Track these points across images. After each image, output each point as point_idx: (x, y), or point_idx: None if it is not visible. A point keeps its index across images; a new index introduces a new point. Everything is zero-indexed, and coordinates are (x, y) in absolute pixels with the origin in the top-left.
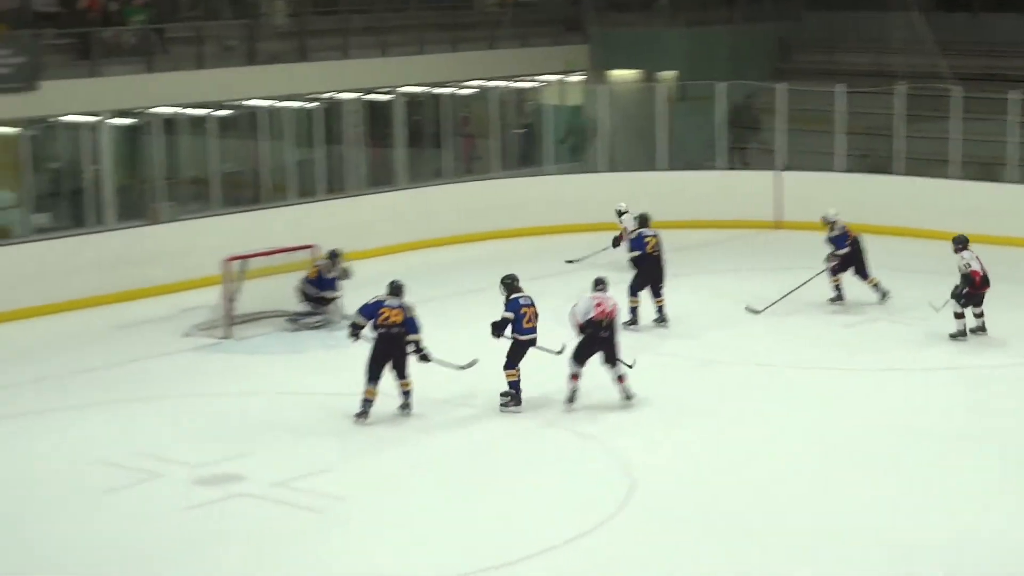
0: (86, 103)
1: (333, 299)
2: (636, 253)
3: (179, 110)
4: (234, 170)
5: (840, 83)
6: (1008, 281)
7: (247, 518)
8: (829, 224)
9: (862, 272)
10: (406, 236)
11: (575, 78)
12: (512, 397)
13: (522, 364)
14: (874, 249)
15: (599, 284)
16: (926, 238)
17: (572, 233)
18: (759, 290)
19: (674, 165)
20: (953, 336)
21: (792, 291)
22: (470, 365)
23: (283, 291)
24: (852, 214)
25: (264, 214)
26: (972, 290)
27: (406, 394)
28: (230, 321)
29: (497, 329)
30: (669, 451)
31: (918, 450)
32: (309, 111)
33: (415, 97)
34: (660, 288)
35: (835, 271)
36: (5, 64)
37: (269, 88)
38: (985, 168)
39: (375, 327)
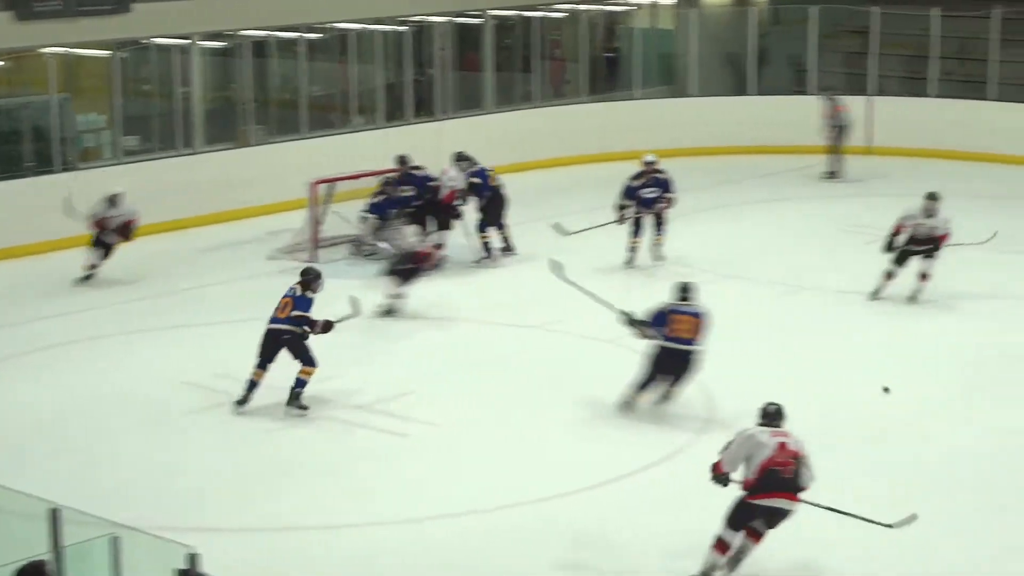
0: (177, 25)
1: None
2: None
3: (269, 33)
4: (323, 93)
5: (935, 7)
6: None
7: (329, 441)
8: None
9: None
10: (494, 160)
11: (666, 1)
12: None
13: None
14: (974, 176)
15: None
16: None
17: (664, 157)
18: (849, 215)
19: (765, 90)
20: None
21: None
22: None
23: None
24: (944, 140)
25: (352, 137)
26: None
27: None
28: (316, 245)
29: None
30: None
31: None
32: (398, 34)
33: (505, 20)
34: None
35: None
36: None
37: (359, 11)
38: None
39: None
